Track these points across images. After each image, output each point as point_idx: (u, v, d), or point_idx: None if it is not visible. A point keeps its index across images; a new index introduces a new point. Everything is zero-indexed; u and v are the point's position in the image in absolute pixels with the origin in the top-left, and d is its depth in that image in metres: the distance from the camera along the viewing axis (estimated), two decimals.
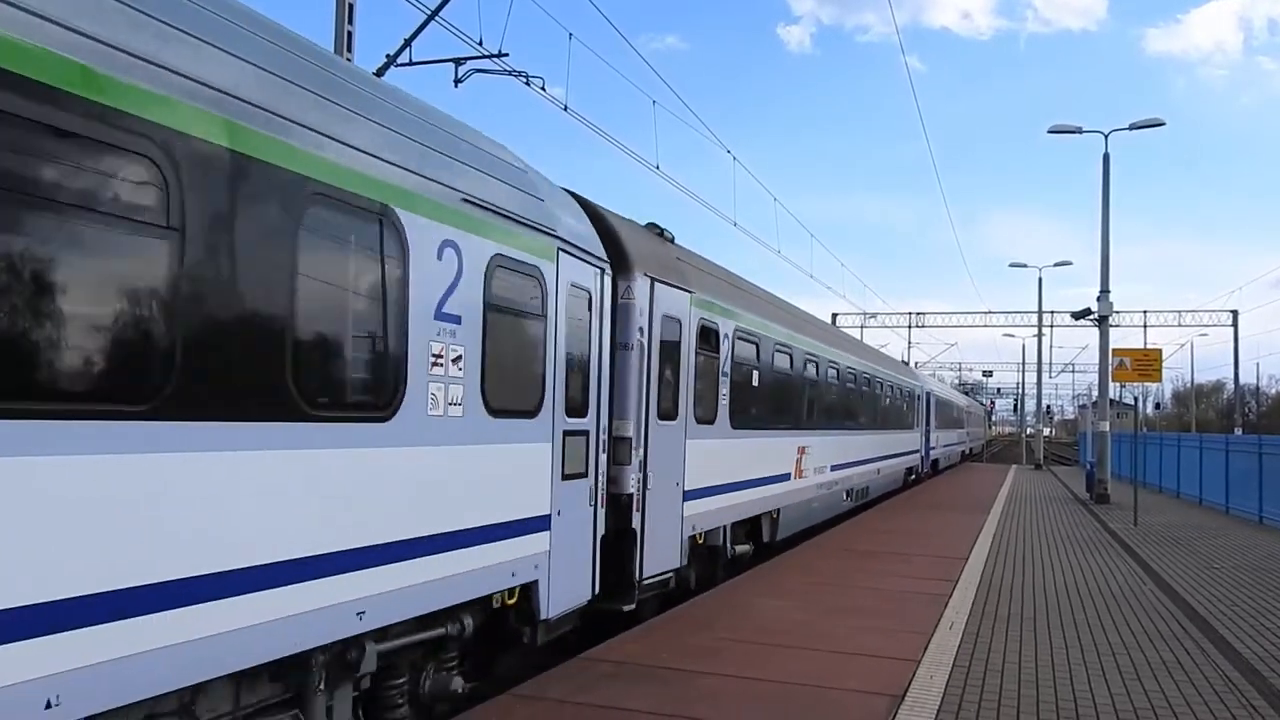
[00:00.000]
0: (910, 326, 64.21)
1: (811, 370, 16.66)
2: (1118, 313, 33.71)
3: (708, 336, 11.16)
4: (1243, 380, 67.96)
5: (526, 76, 13.21)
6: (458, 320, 6.20)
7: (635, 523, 9.08)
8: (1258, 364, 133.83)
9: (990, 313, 62.12)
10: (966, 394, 75.32)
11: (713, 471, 11.21)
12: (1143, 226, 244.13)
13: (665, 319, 9.83)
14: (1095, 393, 31.28)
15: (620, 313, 8.98)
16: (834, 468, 18.18)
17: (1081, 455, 50.33)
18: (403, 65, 13.14)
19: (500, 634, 7.30)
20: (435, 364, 5.97)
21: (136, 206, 4.06)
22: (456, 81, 13.36)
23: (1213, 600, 11.32)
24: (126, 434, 3.99)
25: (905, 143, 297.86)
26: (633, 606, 9.11)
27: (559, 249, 7.59)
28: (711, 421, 11.33)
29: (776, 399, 14.39)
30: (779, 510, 14.36)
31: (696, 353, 10.71)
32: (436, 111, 6.67)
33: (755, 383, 13.20)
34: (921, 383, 35.36)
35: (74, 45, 3.79)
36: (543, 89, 13.43)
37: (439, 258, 6.03)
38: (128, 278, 4.10)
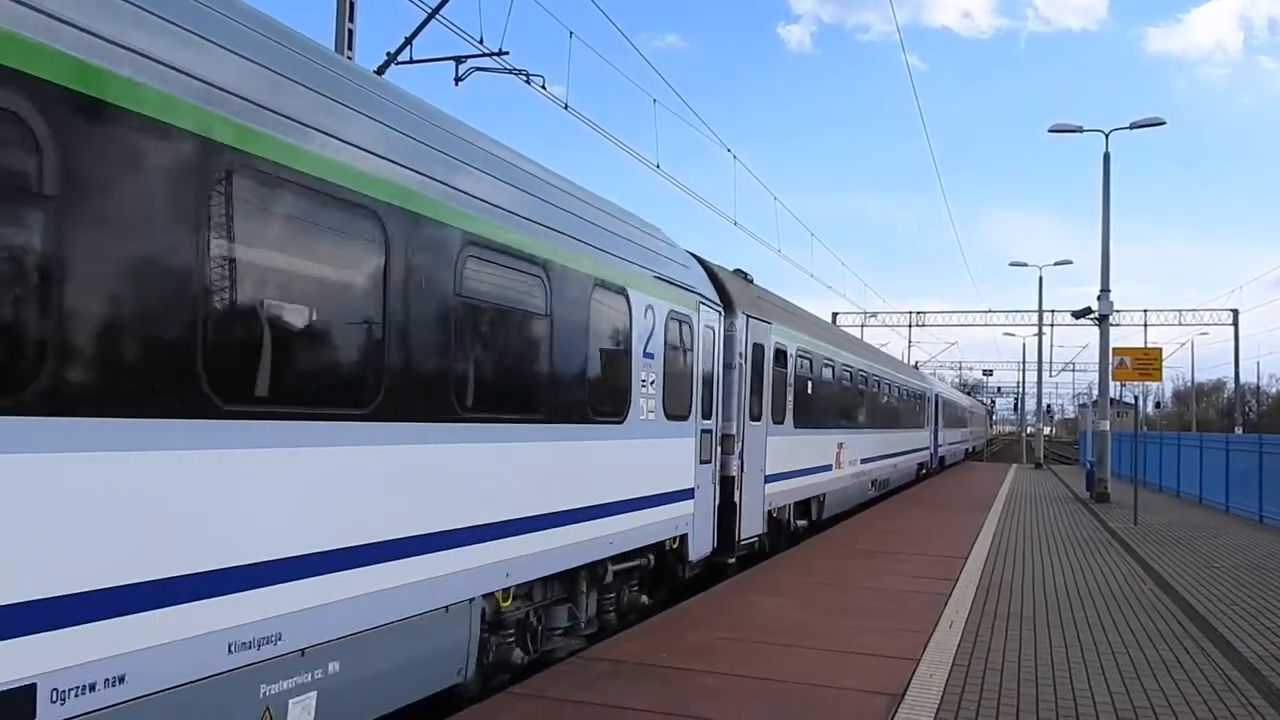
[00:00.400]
0: (911, 325, 64.27)
1: (847, 379, 19.95)
2: (1118, 312, 33.70)
3: (780, 356, 14.25)
4: (1243, 379, 68.01)
5: (527, 75, 13.21)
6: (653, 356, 9.34)
7: (736, 498, 12.02)
8: (1258, 363, 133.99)
9: (991, 311, 62.17)
10: (968, 394, 75.35)
11: (783, 461, 14.28)
12: (1143, 225, 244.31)
13: (754, 345, 12.94)
14: (1095, 392, 31.27)
15: (727, 342, 12.02)
16: (863, 461, 21.20)
17: (1081, 454, 50.32)
18: (403, 63, 13.14)
19: (661, 571, 10.38)
20: (643, 386, 9.10)
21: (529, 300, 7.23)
22: (457, 80, 13.36)
23: (1212, 599, 11.33)
24: (523, 430, 7.12)
25: (906, 142, 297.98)
26: (734, 560, 12.36)
27: (698, 302, 10.78)
28: (781, 422, 14.35)
29: (823, 403, 17.51)
30: (825, 494, 17.52)
31: (773, 369, 13.81)
32: (636, 216, 9.99)
33: (809, 390, 16.32)
34: (931, 386, 37.99)
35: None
36: (543, 87, 13.44)
37: (644, 316, 9.16)
38: (513, 337, 7.14)
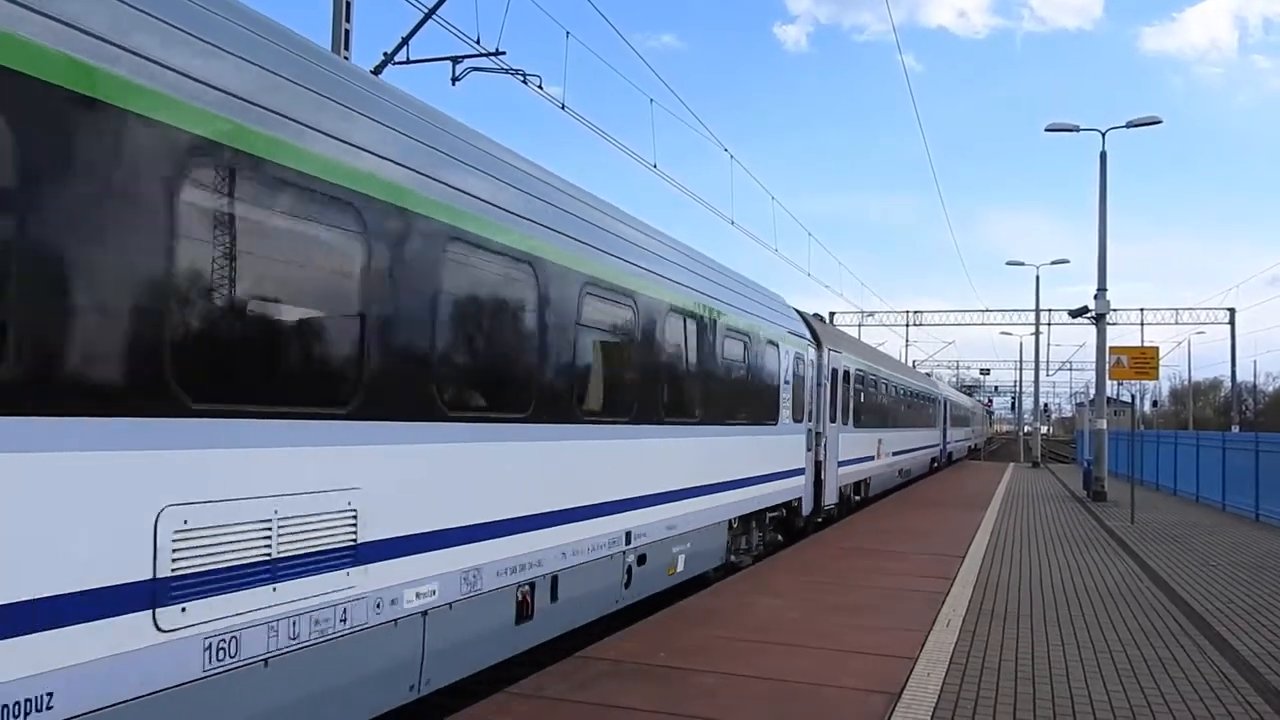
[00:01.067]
0: (908, 325, 64.29)
1: (884, 389, 25.79)
2: (1115, 311, 33.73)
3: (845, 375, 19.43)
4: (1240, 378, 68.04)
5: (524, 75, 13.22)
6: (787, 382, 14.64)
7: (823, 476, 17.25)
8: (1255, 361, 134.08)
9: (988, 310, 62.24)
10: (967, 394, 75.41)
11: (848, 452, 19.64)
12: (1140, 224, 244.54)
13: (832, 369, 18.14)
14: (1092, 391, 31.30)
15: (817, 368, 17.07)
16: (894, 454, 26.80)
17: (1079, 453, 50.37)
18: (400, 63, 13.14)
19: (785, 521, 15.52)
20: (782, 401, 14.34)
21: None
22: (454, 80, 13.36)
23: (1209, 597, 11.34)
24: (740, 429, 12.59)
25: (903, 141, 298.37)
26: (820, 519, 17.68)
27: (806, 344, 16.21)
28: (846, 423, 19.48)
29: (869, 409, 22.76)
30: (870, 478, 23.06)
31: (842, 385, 19.01)
32: (766, 289, 15.12)
33: (861, 399, 21.53)
34: (940, 390, 44.51)
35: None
36: (540, 87, 13.46)
37: (784, 357, 14.45)
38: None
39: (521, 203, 7.19)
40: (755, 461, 13.07)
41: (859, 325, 58.81)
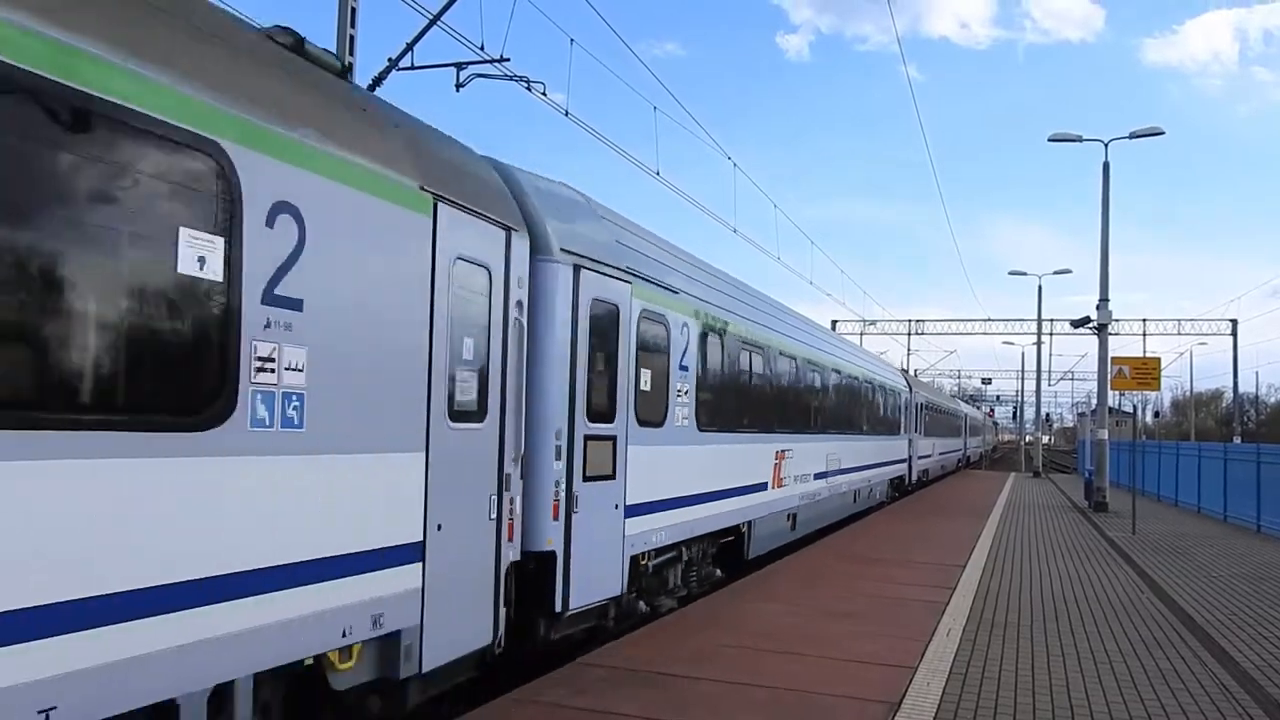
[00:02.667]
0: (910, 334, 64.24)
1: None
2: (1117, 321, 33.74)
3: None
4: (1242, 389, 67.97)
5: (528, 81, 13.22)
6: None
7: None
8: (1257, 373, 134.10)
9: (990, 320, 62.21)
10: (968, 402, 75.29)
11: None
12: (1143, 235, 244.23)
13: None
14: (1094, 401, 31.27)
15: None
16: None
17: (1080, 463, 50.30)
18: (405, 69, 13.15)
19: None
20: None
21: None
22: (458, 86, 13.37)
23: (1210, 609, 11.32)
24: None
25: (906, 150, 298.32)
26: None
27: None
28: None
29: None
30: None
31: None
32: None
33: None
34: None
35: None
36: (544, 94, 13.44)
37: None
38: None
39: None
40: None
41: (861, 334, 58.79)
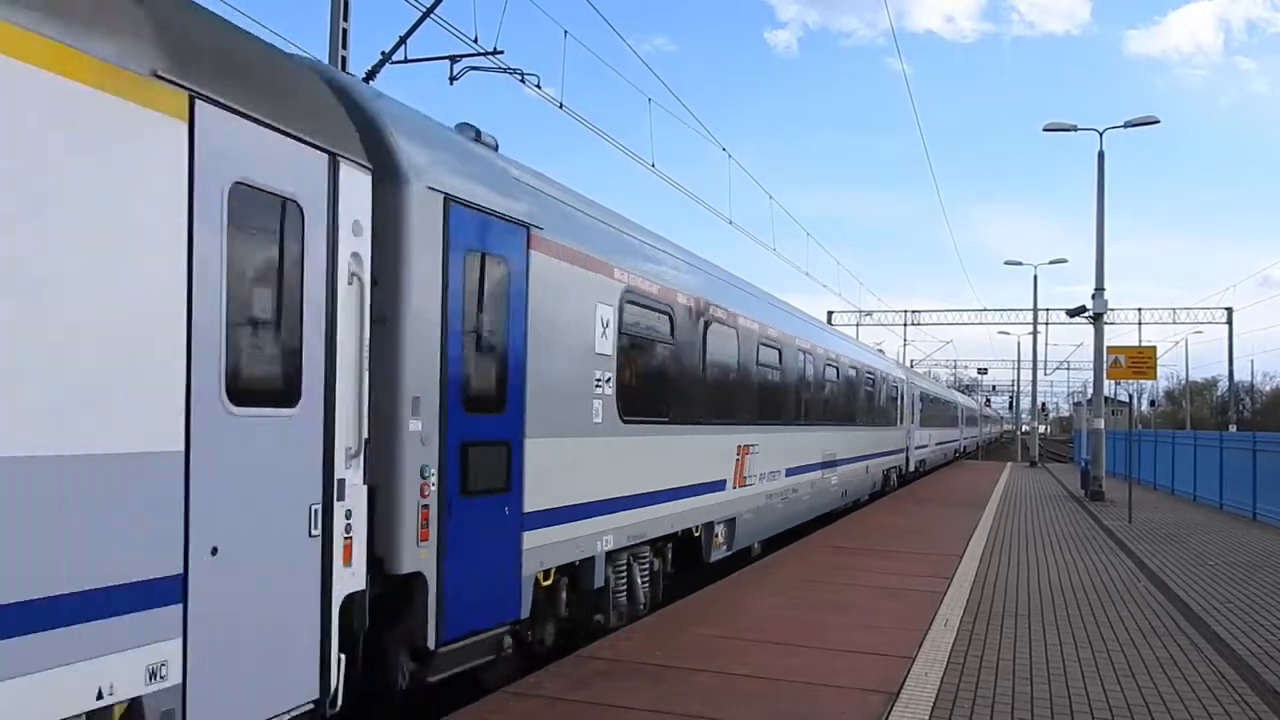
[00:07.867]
0: (906, 324, 64.31)
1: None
2: (1112, 310, 33.65)
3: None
4: (1237, 377, 68.12)
5: (522, 74, 13.17)
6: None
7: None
8: (1252, 361, 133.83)
9: (985, 310, 62.28)
10: (964, 392, 75.43)
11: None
12: (1138, 224, 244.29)
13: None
14: (1090, 390, 31.29)
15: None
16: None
17: (1076, 452, 50.39)
18: (398, 63, 13.11)
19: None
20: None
21: None
22: (452, 79, 13.33)
23: (1207, 596, 11.35)
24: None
25: (899, 142, 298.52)
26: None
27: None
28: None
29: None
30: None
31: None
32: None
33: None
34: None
35: None
36: (538, 87, 13.41)
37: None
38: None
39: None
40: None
41: (857, 325, 58.85)
